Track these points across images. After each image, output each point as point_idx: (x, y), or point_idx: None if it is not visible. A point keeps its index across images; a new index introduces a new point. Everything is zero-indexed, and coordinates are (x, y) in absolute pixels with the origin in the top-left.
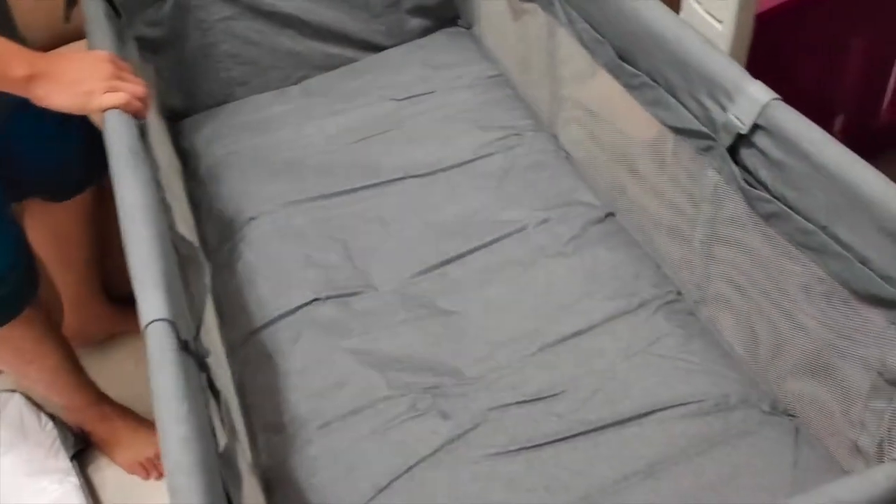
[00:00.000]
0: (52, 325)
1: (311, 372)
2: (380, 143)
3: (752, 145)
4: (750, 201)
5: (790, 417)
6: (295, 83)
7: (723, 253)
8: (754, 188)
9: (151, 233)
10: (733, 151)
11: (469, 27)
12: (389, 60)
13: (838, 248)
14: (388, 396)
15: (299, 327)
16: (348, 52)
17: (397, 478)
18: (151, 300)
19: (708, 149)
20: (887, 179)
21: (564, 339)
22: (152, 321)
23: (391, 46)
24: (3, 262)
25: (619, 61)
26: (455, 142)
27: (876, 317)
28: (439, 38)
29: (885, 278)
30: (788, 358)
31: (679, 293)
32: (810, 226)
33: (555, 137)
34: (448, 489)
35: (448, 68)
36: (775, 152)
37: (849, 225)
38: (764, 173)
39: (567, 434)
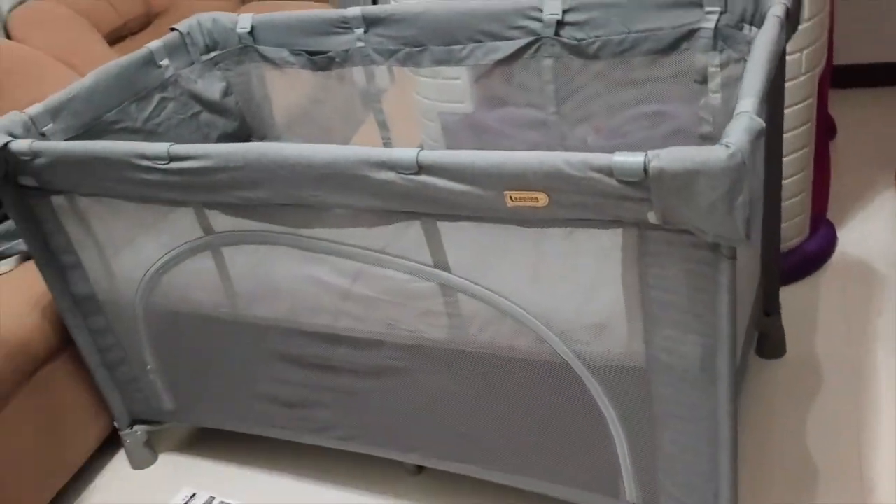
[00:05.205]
0: None
1: None
2: None
3: (564, 25)
4: (581, 52)
5: None
6: None
7: (577, 103)
8: (580, 43)
9: None
10: (557, 36)
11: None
12: None
13: (658, 34)
14: None
15: None
16: None
17: None
18: None
19: (538, 49)
20: None
21: None
22: None
23: None
24: None
25: (447, 46)
26: None
27: (694, 54)
28: None
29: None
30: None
31: None
32: (623, 36)
33: None
34: None
35: None
36: (581, 16)
37: (642, 18)
38: (580, 34)
39: None
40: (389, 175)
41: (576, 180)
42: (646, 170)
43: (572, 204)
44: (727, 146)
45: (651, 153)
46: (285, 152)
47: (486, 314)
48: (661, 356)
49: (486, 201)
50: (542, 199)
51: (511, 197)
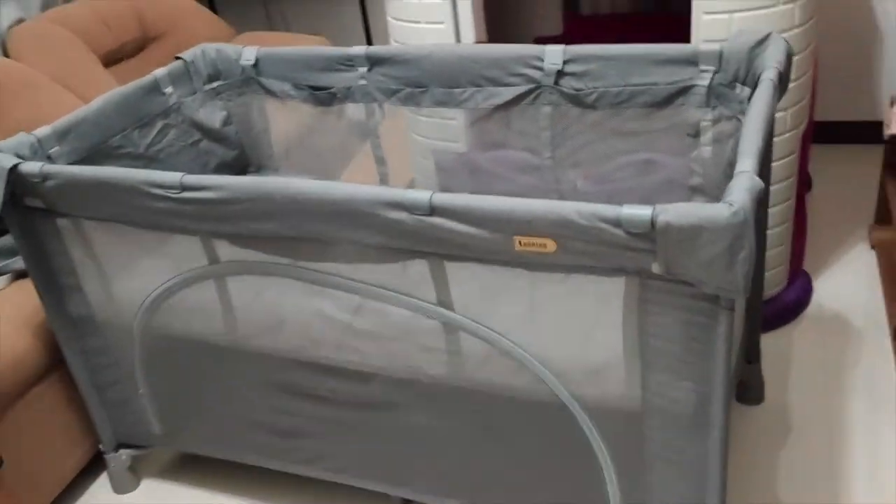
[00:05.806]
0: None
1: None
2: None
3: (564, 75)
4: (579, 101)
5: None
6: None
7: (571, 150)
8: (579, 93)
9: None
10: (556, 85)
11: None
12: None
13: (654, 89)
14: None
15: None
16: None
17: None
18: None
19: (537, 96)
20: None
21: None
22: None
23: None
24: None
25: (448, 89)
26: None
27: (688, 109)
28: None
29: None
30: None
31: None
32: (620, 88)
33: None
34: None
35: None
36: (580, 67)
37: (639, 72)
38: (579, 84)
39: None
40: (401, 215)
41: (584, 229)
42: (653, 223)
43: (578, 251)
44: (731, 205)
45: (659, 207)
46: (298, 188)
47: (486, 352)
48: (656, 401)
49: (494, 244)
50: (551, 245)
51: (520, 242)
